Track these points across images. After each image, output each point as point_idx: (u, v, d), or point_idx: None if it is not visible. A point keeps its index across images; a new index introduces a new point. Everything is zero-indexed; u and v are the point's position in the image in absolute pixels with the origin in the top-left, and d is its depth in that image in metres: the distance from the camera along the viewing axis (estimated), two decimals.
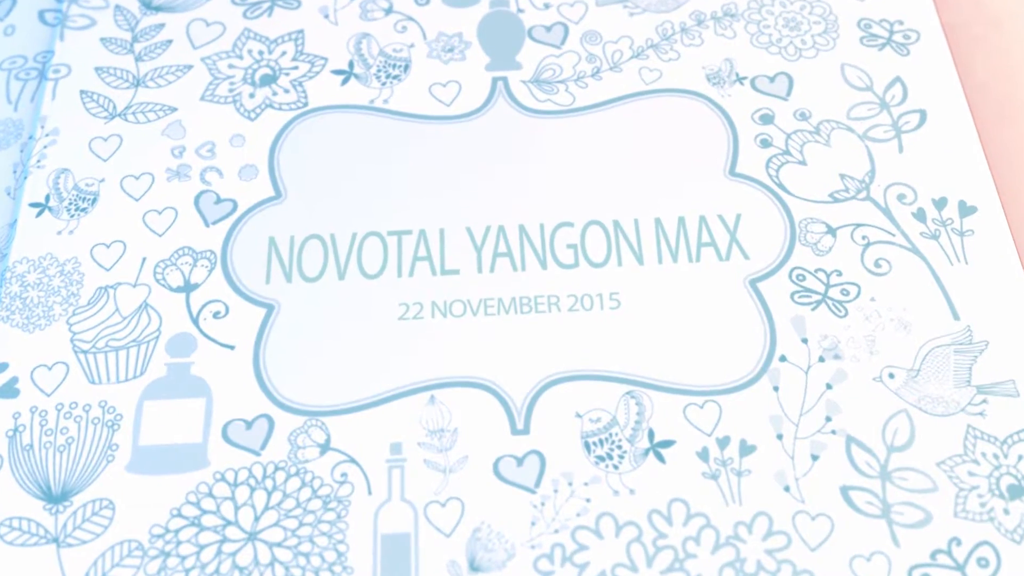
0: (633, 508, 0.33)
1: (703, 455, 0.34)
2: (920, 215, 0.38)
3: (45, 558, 0.33)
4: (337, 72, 0.42)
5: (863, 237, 0.38)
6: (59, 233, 0.39)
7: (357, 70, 0.42)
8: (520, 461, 0.34)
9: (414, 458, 0.34)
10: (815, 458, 0.34)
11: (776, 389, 0.35)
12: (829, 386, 0.35)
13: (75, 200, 0.39)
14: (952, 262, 0.37)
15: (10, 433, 0.35)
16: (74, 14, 0.44)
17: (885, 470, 0.33)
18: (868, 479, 0.33)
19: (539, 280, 0.37)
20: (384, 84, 0.42)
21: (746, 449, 0.34)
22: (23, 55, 0.42)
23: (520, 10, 0.44)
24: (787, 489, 0.33)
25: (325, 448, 0.34)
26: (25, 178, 0.40)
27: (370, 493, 0.33)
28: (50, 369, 0.36)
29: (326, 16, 0.44)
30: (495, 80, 0.42)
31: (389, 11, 0.44)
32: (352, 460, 0.34)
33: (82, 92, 0.42)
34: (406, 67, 0.42)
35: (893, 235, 0.38)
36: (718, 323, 0.36)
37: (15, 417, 0.35)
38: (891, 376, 0.35)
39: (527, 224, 0.38)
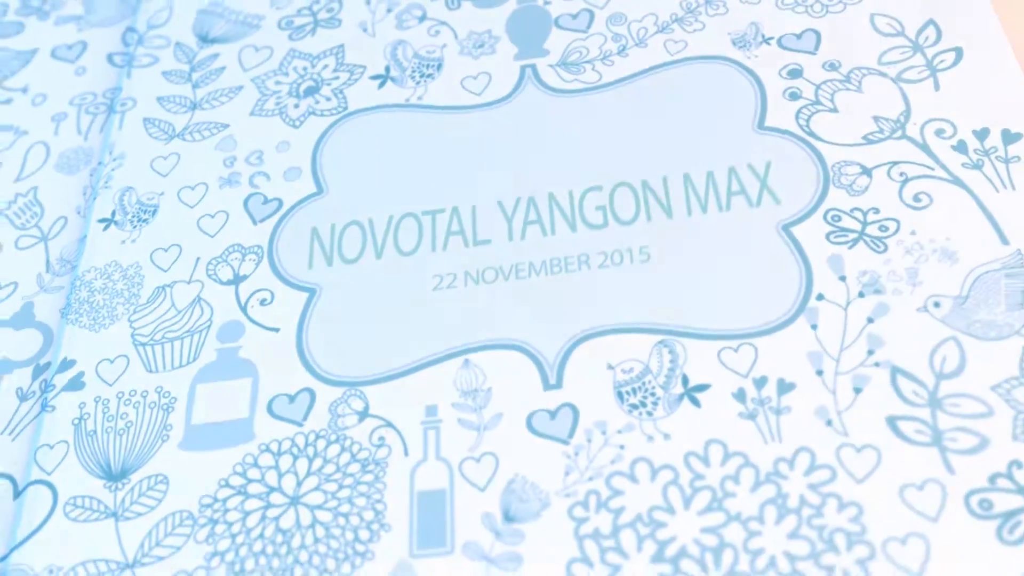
0: (669, 452, 0.32)
1: (739, 396, 0.33)
2: (961, 147, 0.37)
3: (105, 531, 0.34)
4: (374, 77, 0.44)
5: (900, 174, 0.37)
6: (123, 243, 0.41)
7: (393, 73, 0.44)
8: (553, 414, 0.34)
9: (449, 418, 0.34)
10: (858, 391, 0.32)
11: (814, 327, 0.34)
12: (870, 320, 0.34)
13: (138, 213, 0.42)
14: (998, 189, 0.35)
15: (76, 422, 0.37)
16: (140, 54, 0.48)
17: (935, 397, 0.32)
18: (916, 408, 0.32)
19: (569, 242, 0.37)
20: (418, 83, 0.44)
21: (784, 387, 0.33)
22: (92, 92, 0.45)
23: (547, 2, 0.45)
24: (829, 423, 0.32)
25: (363, 415, 0.35)
26: (94, 199, 0.43)
27: (407, 454, 0.34)
28: (112, 362, 0.38)
29: (364, 30, 0.46)
30: (523, 68, 0.43)
31: (423, 18, 0.46)
32: (389, 424, 0.35)
33: (145, 119, 0.45)
34: (439, 65, 0.44)
35: (932, 169, 0.36)
36: (751, 268, 0.35)
37: (80, 407, 0.37)
38: (936, 305, 0.33)
39: (556, 192, 0.39)
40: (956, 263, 0.34)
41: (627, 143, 0.39)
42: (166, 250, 0.41)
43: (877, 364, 0.33)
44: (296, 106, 0.44)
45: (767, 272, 0.35)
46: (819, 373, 0.33)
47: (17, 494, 0.35)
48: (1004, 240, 0.34)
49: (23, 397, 0.37)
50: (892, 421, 0.31)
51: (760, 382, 0.33)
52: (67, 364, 0.38)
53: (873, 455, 0.31)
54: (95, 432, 0.36)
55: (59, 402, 0.37)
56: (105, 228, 0.42)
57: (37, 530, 0.35)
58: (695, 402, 0.33)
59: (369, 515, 0.33)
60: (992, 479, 0.30)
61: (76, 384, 0.38)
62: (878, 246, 0.35)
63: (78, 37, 0.46)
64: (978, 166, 0.36)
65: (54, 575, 0.34)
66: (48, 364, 0.38)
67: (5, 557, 0.34)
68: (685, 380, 0.33)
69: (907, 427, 0.31)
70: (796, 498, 0.31)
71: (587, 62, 0.43)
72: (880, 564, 0.29)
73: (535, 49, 0.44)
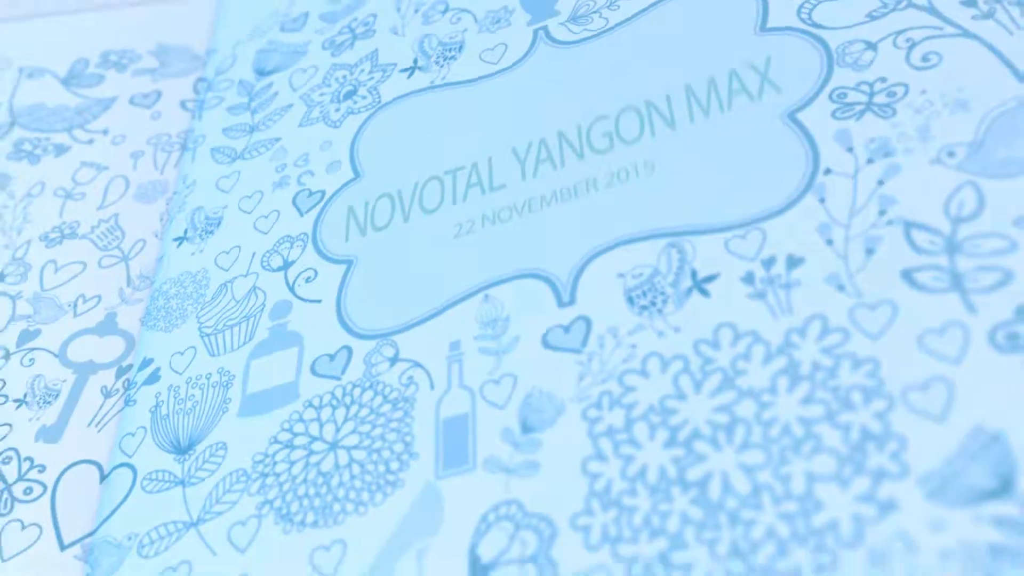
0: (679, 343, 0.32)
1: (748, 279, 0.32)
2: (969, 1, 0.35)
3: (174, 498, 0.37)
4: (404, 70, 0.47)
5: (907, 40, 0.35)
6: (192, 254, 0.45)
7: (420, 63, 0.47)
8: (567, 328, 0.34)
9: (470, 350, 0.35)
10: (870, 252, 0.31)
11: (822, 201, 0.32)
12: (881, 182, 0.32)
13: (205, 227, 0.46)
14: (1011, 31, 0.33)
15: (152, 409, 0.40)
16: (209, 97, 0.53)
17: (952, 242, 0.30)
18: (933, 256, 0.30)
19: (578, 170, 0.38)
20: (441, 66, 0.46)
21: (794, 262, 0.31)
22: (167, 133, 0.50)
23: None
24: (841, 288, 0.30)
25: (394, 360, 0.36)
26: (171, 223, 0.47)
27: (432, 388, 0.35)
28: (183, 354, 0.41)
29: (395, 33, 0.49)
30: (536, 31, 0.44)
31: (445, 11, 0.48)
32: (417, 364, 0.35)
33: (213, 149, 0.49)
34: (460, 47, 0.46)
35: (940, 28, 0.35)
36: (756, 160, 0.34)
37: (156, 396, 0.40)
38: (951, 155, 0.31)
39: (565, 130, 0.39)
40: (969, 111, 0.32)
41: (632, 73, 0.40)
42: (228, 252, 0.44)
43: (889, 222, 0.31)
44: (337, 110, 0.47)
45: (773, 160, 0.34)
46: (829, 243, 0.31)
47: (103, 478, 0.39)
48: (1020, 77, 0.32)
49: (107, 394, 0.41)
50: (907, 274, 0.30)
51: (769, 262, 0.32)
52: (146, 363, 0.42)
53: (888, 310, 0.29)
54: (168, 416, 0.39)
55: (139, 396, 0.41)
56: (179, 245, 0.46)
57: (120, 505, 0.37)
58: (704, 292, 0.32)
59: (399, 447, 0.34)
60: (1019, 311, 0.27)
61: (153, 378, 0.41)
62: (886, 112, 0.33)
63: (153, 87, 0.51)
64: (990, 15, 0.34)
65: (132, 541, 0.36)
66: (130, 366, 0.42)
67: (94, 532, 0.37)
68: (694, 274, 0.33)
69: (924, 277, 0.29)
70: (809, 364, 0.29)
71: (595, 12, 0.43)
72: (900, 414, 0.27)
73: (547, 12, 0.45)
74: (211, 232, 0.45)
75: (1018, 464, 0.25)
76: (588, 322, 0.33)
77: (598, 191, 0.37)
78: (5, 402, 0.38)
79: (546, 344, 0.34)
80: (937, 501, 0.25)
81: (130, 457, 0.39)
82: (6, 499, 0.36)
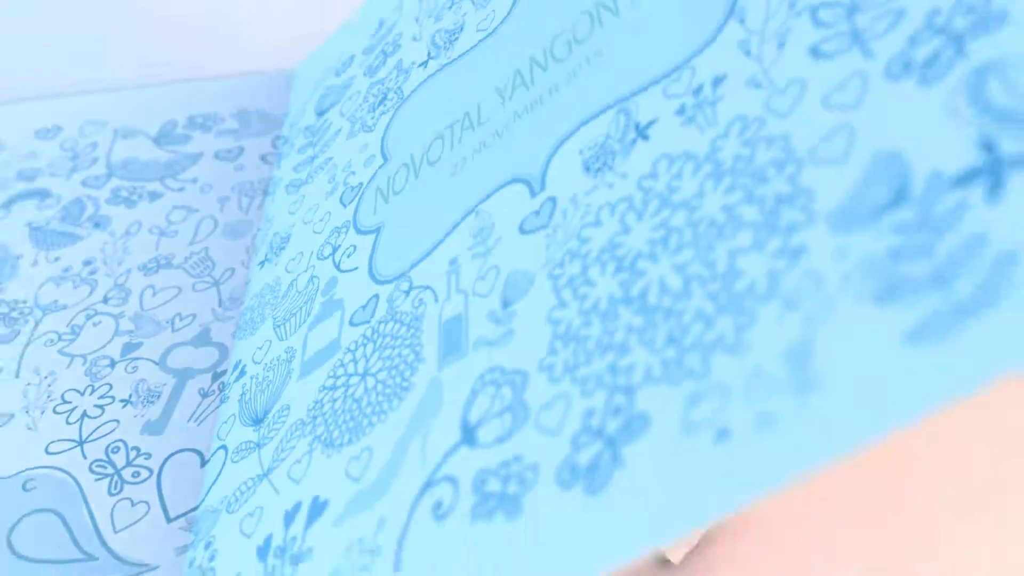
0: (625, 187, 0.32)
1: (680, 111, 0.32)
2: None
3: (253, 461, 0.40)
4: (420, 64, 0.51)
5: None
6: (269, 270, 0.50)
7: (432, 54, 0.51)
8: (538, 212, 0.35)
9: (465, 259, 0.37)
10: (782, 45, 0.30)
11: (742, 21, 0.33)
12: None
13: (279, 245, 0.51)
14: None
15: (239, 399, 0.44)
16: (284, 149, 0.59)
17: (852, 6, 0.29)
18: (835, 26, 0.29)
19: (543, 81, 0.40)
20: (448, 49, 0.49)
21: (717, 81, 0.32)
22: (250, 181, 0.56)
23: None
24: (758, 86, 0.30)
25: (408, 291, 0.39)
26: (256, 252, 0.53)
27: (436, 301, 0.37)
28: (261, 348, 0.46)
29: (415, 40, 0.54)
30: None
31: (451, 6, 0.52)
32: (426, 287, 0.38)
33: (287, 186, 0.55)
34: (461, 28, 0.50)
35: None
36: (688, 13, 0.35)
37: (243, 387, 0.45)
38: None
39: (536, 55, 0.41)
40: None
41: None
42: (294, 258, 0.49)
43: (798, 13, 0.31)
44: (372, 117, 0.52)
45: (704, 8, 0.35)
46: (747, 54, 0.31)
47: (204, 463, 0.43)
48: None
49: (205, 394, 0.46)
50: (813, 49, 0.29)
51: (697, 90, 0.32)
52: (236, 365, 0.47)
53: (797, 87, 0.29)
54: (250, 400, 0.44)
55: (231, 392, 0.45)
56: (261, 268, 0.51)
57: (215, 480, 0.42)
58: (645, 137, 0.33)
59: (411, 358, 0.36)
60: (911, 40, 0.27)
61: (240, 374, 0.46)
62: None
63: (236, 144, 0.58)
64: None
65: (223, 503, 0.40)
66: (225, 370, 0.47)
67: (198, 506, 0.42)
68: (637, 126, 0.34)
69: (828, 46, 0.29)
70: (729, 161, 0.29)
71: None
72: (808, 171, 0.27)
73: None
74: (283, 248, 0.51)
75: (911, 172, 0.24)
76: (554, 200, 0.35)
77: (559, 92, 0.38)
78: (112, 402, 0.44)
79: (522, 231, 0.35)
80: (840, 231, 0.25)
81: (223, 440, 0.43)
82: (116, 481, 0.41)
